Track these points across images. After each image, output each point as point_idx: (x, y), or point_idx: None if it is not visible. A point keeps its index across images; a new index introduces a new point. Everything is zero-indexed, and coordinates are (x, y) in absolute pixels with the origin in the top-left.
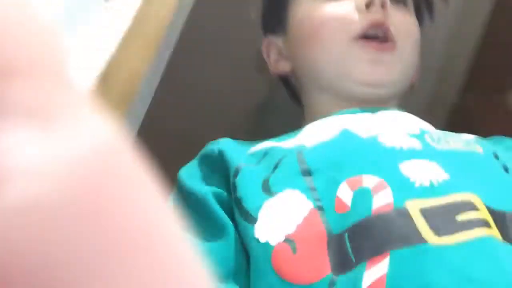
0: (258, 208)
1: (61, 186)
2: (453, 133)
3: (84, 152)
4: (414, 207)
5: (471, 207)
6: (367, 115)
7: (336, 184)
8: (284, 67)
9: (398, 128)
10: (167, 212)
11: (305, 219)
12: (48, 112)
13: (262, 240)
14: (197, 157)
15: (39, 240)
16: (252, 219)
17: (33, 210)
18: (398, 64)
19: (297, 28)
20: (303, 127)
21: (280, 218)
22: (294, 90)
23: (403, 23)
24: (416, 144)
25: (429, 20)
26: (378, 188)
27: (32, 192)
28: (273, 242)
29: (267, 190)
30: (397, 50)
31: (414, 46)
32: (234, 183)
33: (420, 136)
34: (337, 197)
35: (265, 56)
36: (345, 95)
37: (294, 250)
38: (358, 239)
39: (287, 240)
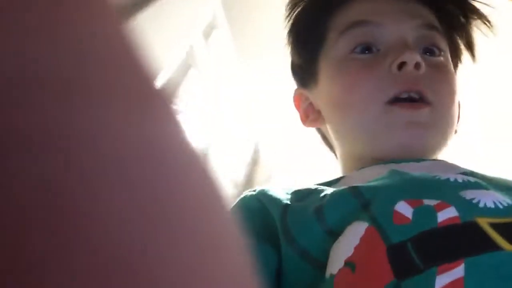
0: (324, 252)
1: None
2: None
3: None
4: (483, 221)
5: None
6: (410, 163)
7: (393, 201)
8: (315, 119)
9: (446, 167)
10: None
11: (362, 238)
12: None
13: (327, 275)
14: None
15: None
16: (319, 264)
17: None
18: (436, 124)
19: (328, 85)
20: (341, 176)
21: (341, 249)
22: (327, 138)
23: (438, 82)
24: (470, 178)
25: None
26: (441, 206)
27: None
28: (334, 271)
29: (323, 221)
30: (434, 109)
31: (452, 101)
32: (285, 225)
33: (470, 173)
34: (395, 210)
35: (296, 107)
36: (382, 156)
37: (353, 270)
38: (424, 246)
39: (347, 263)
